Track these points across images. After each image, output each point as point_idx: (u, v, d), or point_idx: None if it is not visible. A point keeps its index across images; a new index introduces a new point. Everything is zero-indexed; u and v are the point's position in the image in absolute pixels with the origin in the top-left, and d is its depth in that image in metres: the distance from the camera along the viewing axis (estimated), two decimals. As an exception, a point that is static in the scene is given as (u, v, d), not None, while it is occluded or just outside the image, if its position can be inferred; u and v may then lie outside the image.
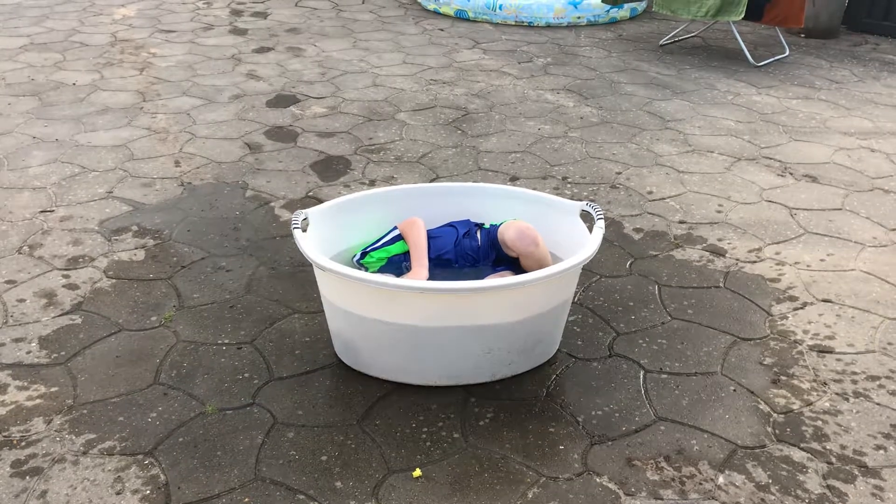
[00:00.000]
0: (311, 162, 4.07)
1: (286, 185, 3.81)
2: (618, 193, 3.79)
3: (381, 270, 2.65)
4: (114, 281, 3.00)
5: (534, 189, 3.73)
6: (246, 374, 2.52)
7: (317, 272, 2.48)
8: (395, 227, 2.69)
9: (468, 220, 2.82)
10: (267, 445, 2.23)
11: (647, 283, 3.06)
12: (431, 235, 2.64)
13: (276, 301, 2.90)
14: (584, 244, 2.48)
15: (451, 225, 2.78)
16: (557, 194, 3.74)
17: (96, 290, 2.93)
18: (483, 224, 2.80)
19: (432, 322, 2.34)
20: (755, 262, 3.21)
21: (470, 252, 2.69)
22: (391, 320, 2.34)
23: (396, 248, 2.65)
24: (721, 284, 3.06)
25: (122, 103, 4.82)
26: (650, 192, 3.80)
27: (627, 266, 3.18)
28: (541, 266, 2.55)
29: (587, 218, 2.70)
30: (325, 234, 2.65)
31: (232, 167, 3.99)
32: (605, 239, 2.88)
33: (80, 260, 3.13)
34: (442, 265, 2.64)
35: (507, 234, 2.61)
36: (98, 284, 2.97)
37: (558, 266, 2.34)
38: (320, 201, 3.63)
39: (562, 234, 2.75)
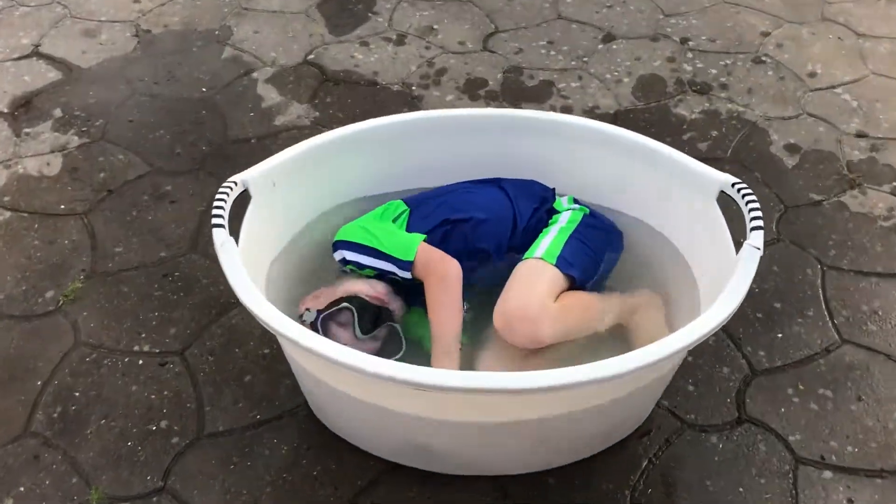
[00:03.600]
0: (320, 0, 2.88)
1: (280, 38, 2.67)
2: (763, 74, 2.54)
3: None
4: (7, 215, 2.06)
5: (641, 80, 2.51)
6: (163, 424, 1.63)
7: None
8: (413, 246, 1.54)
9: (534, 182, 1.70)
10: (169, 590, 1.40)
11: (803, 260, 1.96)
12: (477, 219, 1.57)
13: (230, 270, 1.94)
14: (722, 268, 1.40)
15: (500, 187, 1.68)
16: (672, 69, 2.53)
17: (-21, 234, 2.01)
18: (552, 198, 1.69)
19: (452, 417, 1.36)
20: (979, 221, 2.05)
21: (522, 248, 1.61)
22: (388, 407, 1.37)
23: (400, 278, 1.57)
24: (925, 269, 1.94)
25: None
26: (812, 74, 2.53)
27: (774, 221, 2.06)
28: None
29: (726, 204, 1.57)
30: (287, 201, 1.62)
31: (210, 4, 2.84)
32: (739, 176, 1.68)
33: (-29, 172, 2.19)
34: (472, 256, 1.59)
35: (494, 318, 1.48)
36: (-15, 221, 2.05)
37: (656, 351, 1.26)
38: (322, 70, 2.53)
39: (681, 226, 1.63)
